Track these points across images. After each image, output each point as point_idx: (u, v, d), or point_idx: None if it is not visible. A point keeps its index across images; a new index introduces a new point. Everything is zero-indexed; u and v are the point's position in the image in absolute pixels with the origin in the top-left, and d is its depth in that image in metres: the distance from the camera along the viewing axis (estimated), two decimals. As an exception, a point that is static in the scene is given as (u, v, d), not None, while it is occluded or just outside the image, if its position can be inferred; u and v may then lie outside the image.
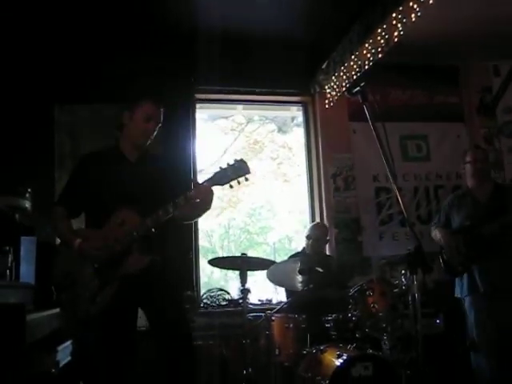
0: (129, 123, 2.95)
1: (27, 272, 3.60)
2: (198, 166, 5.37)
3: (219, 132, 7.60)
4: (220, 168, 2.66)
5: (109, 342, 2.81)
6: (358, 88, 2.50)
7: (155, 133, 2.99)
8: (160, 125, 2.98)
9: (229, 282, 7.20)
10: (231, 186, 2.66)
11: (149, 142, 2.99)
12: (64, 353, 3.11)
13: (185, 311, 3.07)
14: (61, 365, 2.93)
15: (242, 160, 2.66)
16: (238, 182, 2.65)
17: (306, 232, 4.70)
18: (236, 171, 2.63)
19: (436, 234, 4.06)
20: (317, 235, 4.57)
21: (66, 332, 3.17)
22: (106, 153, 3.04)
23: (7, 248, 3.22)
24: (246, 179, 2.64)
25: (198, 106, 5.44)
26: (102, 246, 2.71)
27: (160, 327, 2.83)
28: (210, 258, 3.89)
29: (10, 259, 3.22)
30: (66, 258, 2.81)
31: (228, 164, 2.65)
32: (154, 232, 2.74)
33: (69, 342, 3.29)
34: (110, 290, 2.69)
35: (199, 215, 2.99)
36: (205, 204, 2.76)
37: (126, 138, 2.98)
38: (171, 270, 3.01)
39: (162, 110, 2.97)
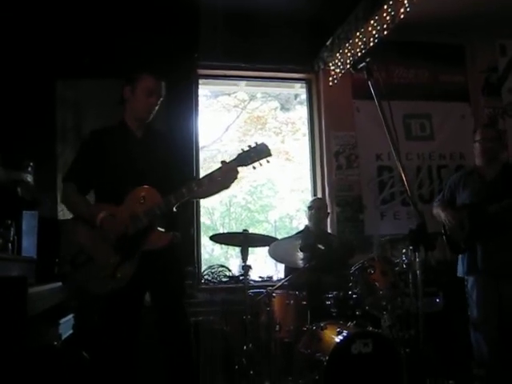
0: (131, 98, 2.94)
1: (29, 246, 3.61)
2: (200, 143, 5.35)
3: (222, 109, 7.56)
4: (242, 150, 2.74)
5: (117, 317, 2.84)
6: (363, 64, 2.46)
7: (157, 107, 2.98)
8: (162, 98, 2.98)
9: (229, 260, 7.23)
10: (254, 168, 2.75)
11: (152, 116, 2.99)
12: (66, 326, 3.13)
13: (185, 290, 3.12)
14: (63, 338, 2.96)
15: (263, 143, 2.76)
16: (260, 164, 2.75)
17: (308, 204, 4.76)
18: (258, 153, 2.73)
19: (438, 211, 4.06)
20: (318, 206, 4.64)
21: (68, 305, 3.20)
22: (113, 128, 3.04)
23: (9, 222, 3.22)
24: (268, 161, 2.75)
25: (200, 81, 5.40)
26: (123, 223, 2.72)
27: (163, 305, 2.89)
28: (211, 235, 3.89)
29: (12, 233, 3.23)
30: (80, 234, 2.81)
31: (250, 146, 2.74)
32: (175, 210, 2.79)
33: (71, 316, 3.31)
34: (131, 265, 2.72)
35: (216, 193, 3.00)
36: (227, 182, 2.81)
37: (129, 113, 2.98)
38: (179, 247, 3.03)
39: (162, 83, 2.98)
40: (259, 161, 2.73)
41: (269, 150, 2.74)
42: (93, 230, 2.76)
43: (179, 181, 2.78)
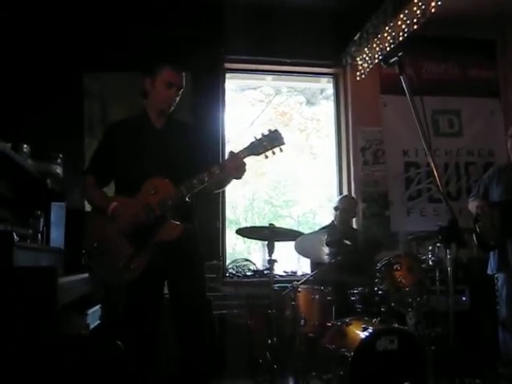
0: (151, 90, 2.94)
1: (57, 237, 3.66)
2: (226, 137, 5.35)
3: (247, 103, 7.55)
4: (255, 138, 2.65)
5: (137, 308, 2.85)
6: (395, 58, 2.42)
7: (178, 98, 2.96)
8: (182, 90, 2.95)
9: (252, 254, 7.23)
10: (266, 157, 2.65)
11: (172, 108, 2.97)
12: (93, 316, 3.16)
13: (205, 283, 3.06)
14: (90, 328, 2.99)
15: (276, 130, 2.65)
16: (273, 153, 2.64)
17: (334, 203, 4.71)
18: (271, 141, 2.62)
19: (474, 205, 4.01)
20: (344, 206, 4.59)
21: (95, 296, 3.23)
22: (133, 120, 3.03)
23: (39, 212, 3.26)
24: (281, 150, 2.64)
25: (227, 75, 5.40)
26: (135, 213, 2.72)
27: (177, 297, 2.87)
28: (234, 229, 3.89)
29: (41, 224, 3.27)
30: (99, 225, 2.82)
31: (263, 134, 2.64)
32: (187, 200, 2.75)
33: (98, 306, 3.35)
34: (143, 257, 2.71)
35: (226, 185, 2.97)
36: (237, 174, 2.72)
37: (150, 105, 2.98)
38: (199, 239, 3.00)
39: (183, 74, 2.94)
40: (272, 149, 2.63)
41: (282, 137, 2.63)
42: (109, 221, 2.77)
43: (197, 172, 2.72)
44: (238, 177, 2.74)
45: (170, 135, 2.93)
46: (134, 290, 2.79)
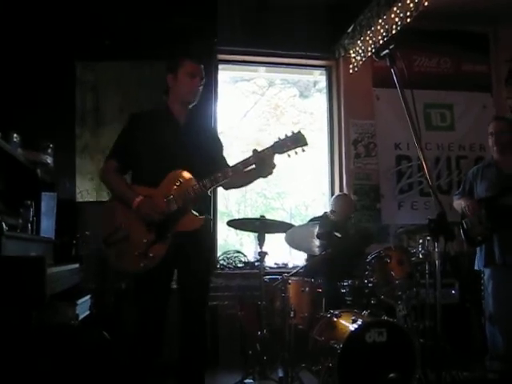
0: (174, 84, 2.96)
1: (47, 227, 3.66)
2: (219, 129, 5.33)
3: (240, 95, 7.52)
4: (279, 138, 2.75)
5: (145, 298, 2.85)
6: (386, 51, 2.42)
7: (201, 89, 2.99)
8: (203, 81, 2.99)
9: (244, 247, 7.23)
10: (289, 156, 2.77)
11: (196, 99, 3.00)
12: (83, 306, 3.17)
13: (210, 274, 3.13)
14: (80, 318, 2.99)
15: (299, 132, 2.76)
16: (296, 153, 2.76)
17: (330, 206, 4.59)
18: (295, 142, 2.74)
19: (461, 202, 4.03)
20: (342, 207, 4.47)
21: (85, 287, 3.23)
22: (157, 113, 3.06)
23: (29, 202, 3.26)
24: (303, 150, 2.76)
25: (220, 67, 5.39)
26: (158, 206, 2.74)
27: (188, 287, 2.90)
28: (226, 221, 3.89)
29: (31, 213, 3.27)
30: (117, 213, 2.83)
31: (286, 135, 2.75)
32: (208, 194, 2.81)
33: (88, 297, 3.35)
34: (163, 245, 2.74)
35: (251, 181, 3.01)
36: (264, 171, 2.81)
37: (174, 99, 3.00)
38: (209, 231, 3.08)
39: (202, 66, 2.98)
40: (295, 149, 2.74)
41: (305, 138, 2.74)
42: (129, 209, 2.78)
43: (216, 167, 2.81)
44: (265, 173, 2.83)
45: (192, 130, 2.98)
46: (148, 277, 2.79)
